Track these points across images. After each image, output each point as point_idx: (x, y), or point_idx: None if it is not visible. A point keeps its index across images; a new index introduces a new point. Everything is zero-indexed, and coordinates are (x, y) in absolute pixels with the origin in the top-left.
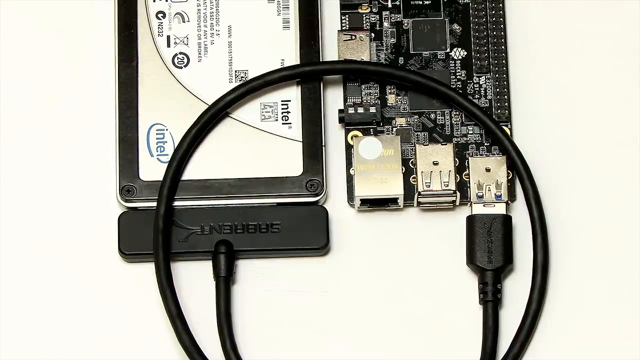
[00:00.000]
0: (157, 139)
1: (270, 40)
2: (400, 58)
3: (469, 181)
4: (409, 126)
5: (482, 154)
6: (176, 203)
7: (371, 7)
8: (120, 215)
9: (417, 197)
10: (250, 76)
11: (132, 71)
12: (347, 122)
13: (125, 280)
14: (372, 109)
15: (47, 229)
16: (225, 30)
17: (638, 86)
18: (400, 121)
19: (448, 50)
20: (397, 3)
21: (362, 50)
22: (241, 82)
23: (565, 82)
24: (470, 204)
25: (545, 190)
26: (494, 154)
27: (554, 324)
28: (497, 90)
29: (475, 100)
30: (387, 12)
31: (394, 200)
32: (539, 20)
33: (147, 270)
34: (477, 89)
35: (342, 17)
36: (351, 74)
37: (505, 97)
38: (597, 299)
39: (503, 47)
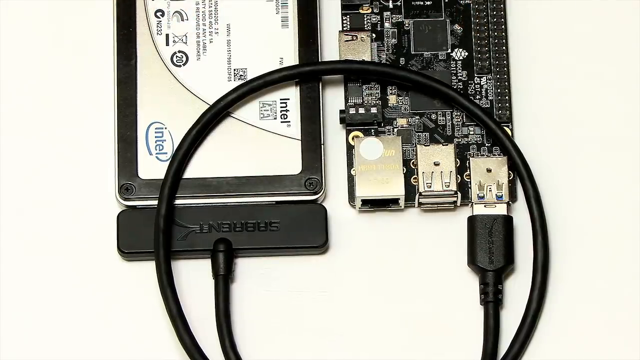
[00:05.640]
0: (156, 137)
1: (269, 38)
2: (402, 58)
3: (470, 182)
4: (410, 127)
5: (483, 155)
6: (175, 201)
7: (372, 8)
8: (119, 214)
9: (418, 198)
10: (249, 75)
11: (130, 69)
12: (348, 122)
13: (124, 279)
14: (373, 110)
15: (46, 227)
16: (224, 29)
17: (638, 87)
18: (401, 122)
19: (449, 50)
20: (398, 3)
21: (363, 51)
22: (240, 80)
23: (566, 82)
24: (472, 205)
25: (546, 191)
26: (495, 155)
27: (554, 324)
28: (498, 90)
29: (477, 101)
30: (388, 13)
31: (395, 201)
32: (540, 20)
33: (146, 269)
34: (478, 89)
35: (343, 18)
36: (352, 73)
37: (507, 97)
38: (597, 299)
39: (504, 47)
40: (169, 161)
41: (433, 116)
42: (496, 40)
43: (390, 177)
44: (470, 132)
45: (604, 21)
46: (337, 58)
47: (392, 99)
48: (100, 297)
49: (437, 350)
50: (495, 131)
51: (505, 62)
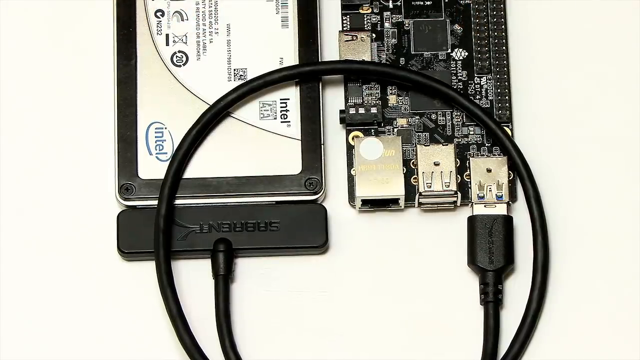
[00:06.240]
0: (155, 137)
1: (269, 38)
2: (402, 58)
3: (470, 182)
4: (410, 127)
5: (483, 155)
6: (175, 201)
7: (372, 8)
8: (119, 214)
9: (418, 198)
10: (249, 75)
11: (130, 69)
12: (348, 122)
13: (124, 279)
14: (373, 110)
15: (46, 227)
16: (224, 29)
17: (638, 87)
18: (401, 122)
19: (449, 50)
20: (398, 3)
21: (363, 51)
22: (240, 80)
23: (566, 82)
24: (472, 205)
25: (546, 191)
26: (495, 155)
27: (554, 324)
28: (498, 90)
29: (477, 101)
30: (388, 13)
31: (395, 201)
32: (540, 20)
33: (146, 269)
34: (478, 89)
35: (343, 18)
36: (352, 73)
37: (507, 97)
38: (597, 299)
39: (504, 47)
40: (169, 161)
41: (433, 116)
42: (496, 40)
43: (390, 177)
44: (470, 132)
45: (604, 21)
46: (337, 58)
47: (392, 99)
48: (100, 297)
49: (437, 350)
50: (495, 131)
51: (505, 62)
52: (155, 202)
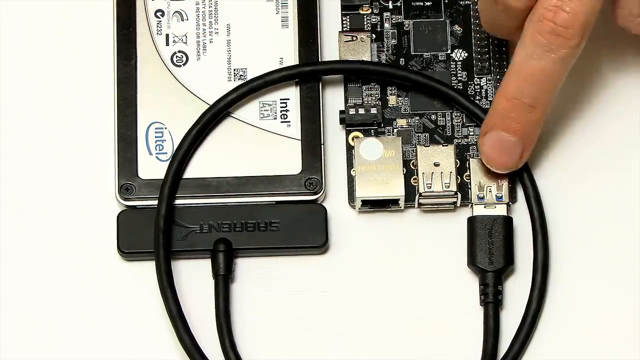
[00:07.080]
0: (156, 137)
1: (269, 38)
2: (402, 59)
3: (470, 182)
4: (410, 127)
5: None
6: (175, 201)
7: (372, 9)
8: (119, 214)
9: (418, 199)
10: (249, 75)
11: (130, 69)
12: (348, 123)
13: (124, 279)
14: (373, 110)
15: (46, 227)
16: (224, 29)
17: (639, 86)
18: (401, 122)
19: (449, 51)
20: (398, 4)
21: (363, 52)
22: (240, 80)
23: (565, 82)
24: (471, 205)
25: (546, 191)
26: None
27: (554, 324)
28: None
29: (477, 102)
30: (388, 13)
31: (395, 202)
32: None
33: (146, 269)
34: (478, 90)
35: (343, 18)
36: (352, 73)
37: None
38: (597, 299)
39: (504, 48)
40: (169, 161)
41: (433, 117)
42: (496, 41)
43: (390, 178)
44: (470, 133)
45: (603, 21)
46: (337, 58)
47: (392, 100)
48: (100, 297)
49: (437, 350)
50: None
51: (505, 62)
52: (155, 202)
